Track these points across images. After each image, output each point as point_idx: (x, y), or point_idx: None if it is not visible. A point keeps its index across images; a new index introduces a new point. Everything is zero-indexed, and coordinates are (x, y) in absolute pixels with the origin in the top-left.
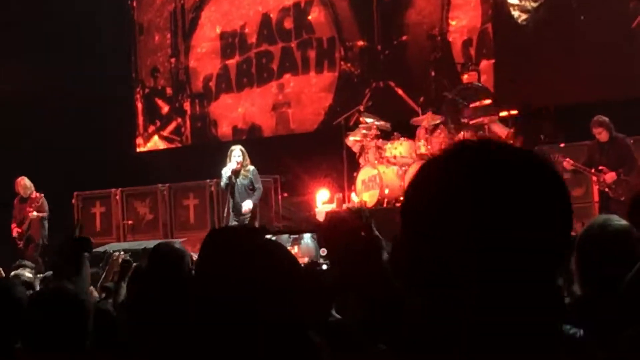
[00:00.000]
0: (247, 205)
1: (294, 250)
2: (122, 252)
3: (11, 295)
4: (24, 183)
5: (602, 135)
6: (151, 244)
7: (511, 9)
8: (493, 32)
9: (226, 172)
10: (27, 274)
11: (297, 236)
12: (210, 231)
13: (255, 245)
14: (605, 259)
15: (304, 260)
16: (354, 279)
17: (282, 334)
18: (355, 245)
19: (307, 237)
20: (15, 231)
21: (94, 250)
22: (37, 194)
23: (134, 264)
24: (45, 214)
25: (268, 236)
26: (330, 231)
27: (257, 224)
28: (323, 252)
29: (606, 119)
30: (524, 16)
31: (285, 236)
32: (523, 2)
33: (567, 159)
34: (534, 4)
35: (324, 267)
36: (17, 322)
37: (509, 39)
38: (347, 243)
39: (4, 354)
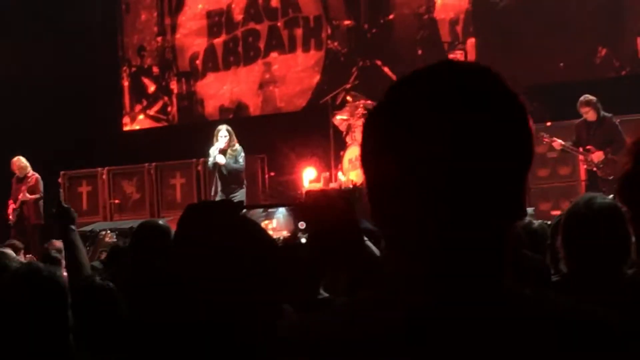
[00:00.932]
0: (220, 159)
1: (271, 224)
2: (108, 231)
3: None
4: (20, 163)
5: (589, 114)
6: (138, 223)
7: None
8: (473, 11)
9: (213, 151)
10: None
11: (270, 210)
12: (186, 207)
13: (230, 220)
14: (591, 236)
15: (281, 234)
16: (334, 255)
17: (256, 308)
18: (333, 220)
19: (280, 211)
20: (11, 207)
21: (80, 229)
22: (32, 175)
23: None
24: (38, 195)
25: (243, 211)
26: (309, 205)
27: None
28: (302, 225)
29: (593, 98)
30: None
31: (259, 210)
32: None
33: (555, 139)
34: None
35: (303, 240)
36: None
37: (488, 18)
38: (325, 217)
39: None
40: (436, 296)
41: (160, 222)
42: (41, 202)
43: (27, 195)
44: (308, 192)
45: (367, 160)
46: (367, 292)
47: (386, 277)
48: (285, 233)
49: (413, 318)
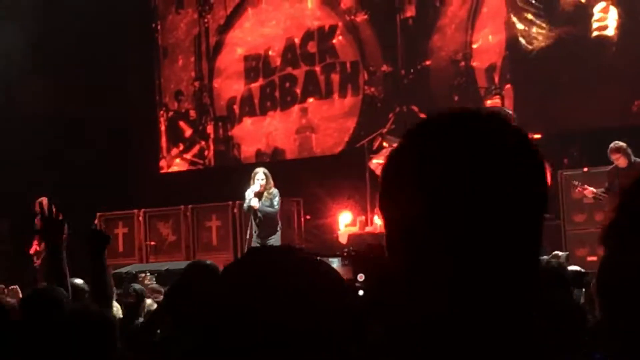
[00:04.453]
0: (254, 202)
1: None
2: (148, 273)
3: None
4: (45, 204)
5: (620, 160)
6: (174, 265)
7: (519, 35)
8: (509, 58)
9: (249, 194)
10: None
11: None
12: (249, 250)
13: (300, 261)
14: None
15: None
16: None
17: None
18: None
19: (334, 263)
20: (34, 248)
21: (116, 271)
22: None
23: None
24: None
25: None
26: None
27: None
28: (360, 277)
29: (623, 144)
30: (533, 44)
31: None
32: (530, 30)
33: (587, 187)
34: (541, 31)
35: (360, 292)
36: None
37: (525, 64)
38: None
39: None
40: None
41: (208, 262)
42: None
43: None
44: (370, 245)
45: (387, 198)
46: None
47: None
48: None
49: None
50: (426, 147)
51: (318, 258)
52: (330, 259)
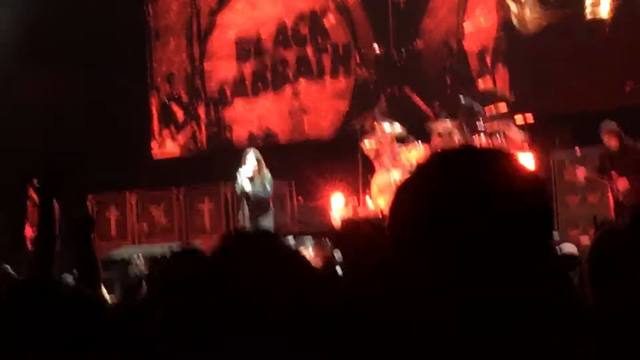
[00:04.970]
0: (246, 186)
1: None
2: (139, 255)
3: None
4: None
5: (611, 141)
6: (166, 248)
7: (513, 18)
8: (501, 40)
9: (241, 175)
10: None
11: (302, 238)
12: (224, 235)
13: (273, 249)
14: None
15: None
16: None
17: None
18: (369, 254)
19: (307, 241)
20: (28, 233)
21: (109, 252)
22: None
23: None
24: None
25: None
26: (344, 236)
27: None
28: (336, 253)
29: (614, 124)
30: (527, 26)
31: (290, 238)
32: (523, 12)
33: (580, 168)
34: (535, 15)
35: (339, 270)
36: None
37: (518, 46)
38: (361, 251)
39: None
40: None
41: (193, 248)
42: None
43: None
44: (345, 221)
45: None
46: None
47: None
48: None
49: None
50: (441, 176)
51: (294, 247)
52: (312, 238)
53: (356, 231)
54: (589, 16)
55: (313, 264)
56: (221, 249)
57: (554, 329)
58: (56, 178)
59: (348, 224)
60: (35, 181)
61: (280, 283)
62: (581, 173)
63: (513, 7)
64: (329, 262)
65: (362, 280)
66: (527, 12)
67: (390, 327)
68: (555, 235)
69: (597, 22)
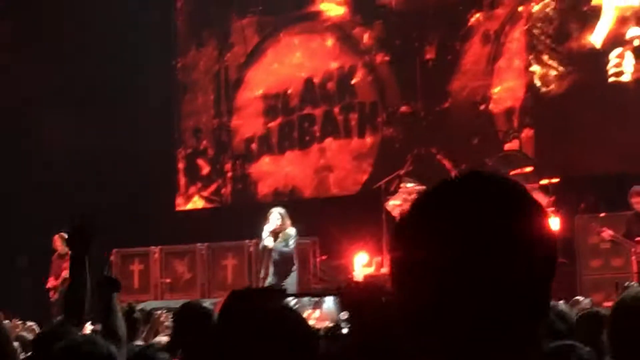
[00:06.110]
0: (268, 242)
1: (316, 313)
2: (165, 311)
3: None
4: (62, 240)
5: (639, 205)
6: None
7: (536, 79)
8: (528, 101)
9: (265, 233)
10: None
11: (318, 299)
12: (229, 293)
13: (270, 311)
14: (638, 332)
15: (324, 324)
16: (375, 349)
17: None
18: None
19: (328, 301)
20: (51, 283)
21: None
22: None
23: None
24: None
25: (289, 299)
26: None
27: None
28: (344, 315)
29: None
30: (551, 88)
31: (307, 299)
32: (548, 73)
33: (605, 230)
34: (559, 75)
35: (345, 330)
36: None
37: (545, 108)
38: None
39: None
40: None
41: (205, 304)
42: None
43: None
44: (350, 283)
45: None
46: None
47: None
48: (328, 323)
49: None
50: (449, 203)
51: (293, 308)
52: (326, 299)
53: (358, 292)
54: (611, 79)
55: (316, 324)
56: (222, 308)
57: None
58: (90, 231)
59: (350, 285)
60: (64, 233)
61: (267, 341)
62: (607, 234)
63: (538, 69)
64: (337, 322)
65: (364, 340)
66: (552, 73)
67: None
68: (586, 301)
69: (620, 85)
